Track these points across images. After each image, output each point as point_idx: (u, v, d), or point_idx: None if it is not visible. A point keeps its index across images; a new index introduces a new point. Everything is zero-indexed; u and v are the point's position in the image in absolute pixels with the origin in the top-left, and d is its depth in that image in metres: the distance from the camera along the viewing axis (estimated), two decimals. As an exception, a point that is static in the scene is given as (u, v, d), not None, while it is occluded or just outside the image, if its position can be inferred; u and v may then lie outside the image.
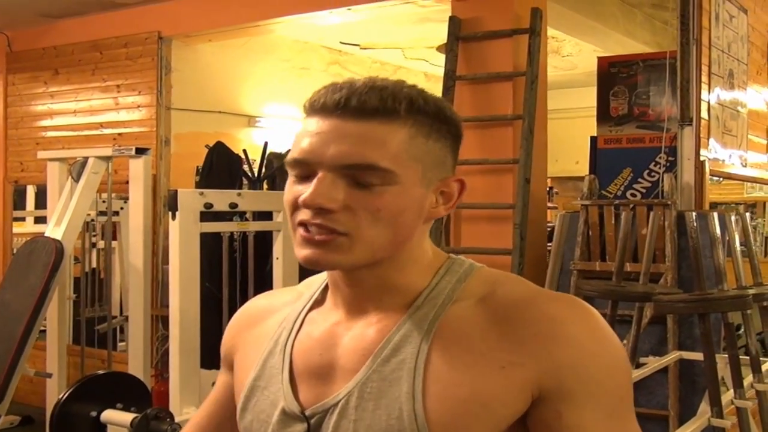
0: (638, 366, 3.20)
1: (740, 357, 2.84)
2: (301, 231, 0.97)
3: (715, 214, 3.06)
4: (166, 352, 5.22)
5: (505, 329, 0.95)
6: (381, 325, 1.02)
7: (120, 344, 5.62)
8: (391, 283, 1.03)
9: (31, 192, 7.27)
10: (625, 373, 0.98)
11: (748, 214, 4.29)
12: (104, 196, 5.16)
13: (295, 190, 0.98)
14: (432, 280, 1.03)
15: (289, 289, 1.20)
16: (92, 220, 5.63)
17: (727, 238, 3.57)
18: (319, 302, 1.12)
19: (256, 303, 1.23)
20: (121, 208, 5.60)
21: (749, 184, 8.07)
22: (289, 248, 4.09)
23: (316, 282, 1.15)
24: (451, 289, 1.02)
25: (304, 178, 0.97)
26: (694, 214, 2.93)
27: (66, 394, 3.11)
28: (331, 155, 0.95)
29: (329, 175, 0.95)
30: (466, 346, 0.96)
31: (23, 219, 7.41)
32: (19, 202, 7.11)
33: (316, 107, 0.98)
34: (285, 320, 1.12)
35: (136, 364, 4.56)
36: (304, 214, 0.97)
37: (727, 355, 2.82)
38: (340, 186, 0.95)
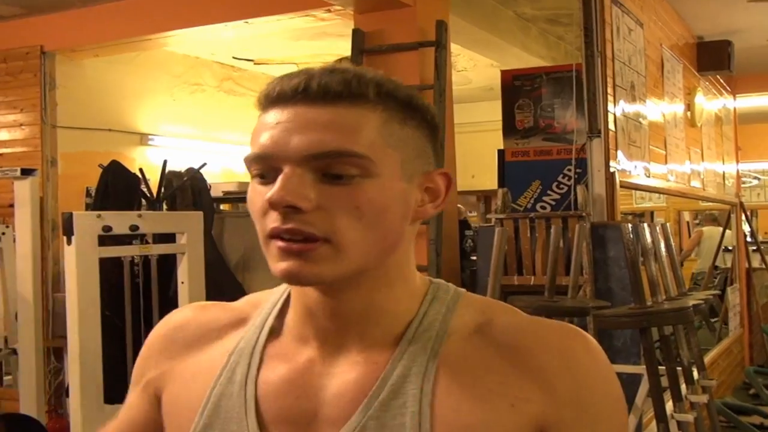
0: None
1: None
2: (277, 242, 0.83)
3: (645, 225, 3.07)
4: (60, 386, 4.92)
5: (510, 363, 0.87)
6: (369, 363, 0.88)
7: (6, 378, 5.25)
8: (380, 307, 0.89)
9: None
10: (625, 410, 0.94)
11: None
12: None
13: (259, 192, 0.84)
14: (420, 308, 0.91)
15: (222, 306, 1.02)
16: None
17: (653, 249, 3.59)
18: (276, 331, 0.95)
19: (188, 319, 1.01)
20: (3, 233, 5.24)
21: (638, 194, 8.32)
22: (195, 272, 3.89)
23: (266, 301, 0.98)
24: (443, 320, 0.90)
25: (268, 178, 0.84)
26: (629, 225, 2.92)
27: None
28: (296, 146, 0.82)
29: (297, 170, 0.82)
30: (471, 383, 0.86)
31: None
32: None
33: (272, 97, 0.85)
34: (237, 351, 0.94)
35: (29, 400, 4.25)
36: (273, 221, 0.82)
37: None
38: (310, 181, 0.82)
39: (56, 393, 5.00)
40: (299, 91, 0.83)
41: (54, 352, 5.01)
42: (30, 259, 4.38)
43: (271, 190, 0.82)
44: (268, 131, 0.84)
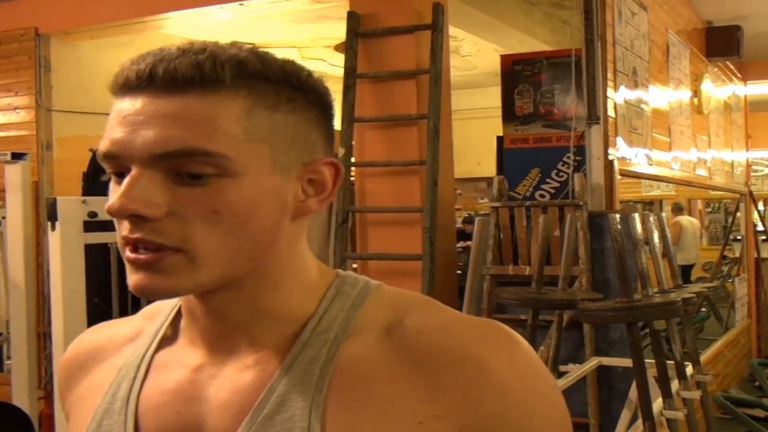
0: (560, 375, 3.08)
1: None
2: (126, 252, 0.73)
3: (636, 215, 2.97)
4: (53, 373, 4.88)
5: (420, 373, 0.74)
6: (258, 368, 0.78)
7: (7, 362, 5.21)
8: (265, 308, 0.79)
9: None
10: (563, 419, 0.78)
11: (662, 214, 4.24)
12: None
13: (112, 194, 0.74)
14: (319, 307, 0.81)
15: (122, 322, 0.94)
16: (-33, 231, 5.20)
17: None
18: (169, 339, 0.86)
19: (88, 339, 0.94)
20: (3, 218, 5.19)
21: (647, 182, 8.21)
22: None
23: (162, 311, 0.89)
24: (345, 319, 0.79)
25: (120, 177, 0.74)
26: (617, 215, 2.83)
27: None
28: (142, 144, 0.71)
29: (145, 172, 0.71)
30: (371, 395, 0.74)
31: None
32: None
33: (119, 84, 0.74)
34: (125, 366, 0.86)
35: (21, 386, 4.21)
36: (124, 228, 0.73)
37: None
38: (160, 184, 0.72)
39: (51, 379, 4.96)
40: (144, 79, 0.72)
41: (49, 337, 4.97)
42: (21, 245, 4.31)
43: (112, 197, 0.72)
44: (115, 126, 0.73)
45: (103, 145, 0.74)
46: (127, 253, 0.73)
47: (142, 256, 0.72)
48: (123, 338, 0.90)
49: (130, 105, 0.73)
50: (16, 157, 4.32)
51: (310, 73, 0.79)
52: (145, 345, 0.87)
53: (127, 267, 0.74)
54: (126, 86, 0.73)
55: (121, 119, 0.73)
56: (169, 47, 0.74)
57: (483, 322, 0.80)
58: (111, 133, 0.73)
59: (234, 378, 0.79)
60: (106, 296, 4.00)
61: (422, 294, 0.86)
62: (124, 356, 0.88)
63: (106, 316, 3.97)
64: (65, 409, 0.93)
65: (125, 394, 0.83)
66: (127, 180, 0.71)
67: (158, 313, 0.90)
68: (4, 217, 5.11)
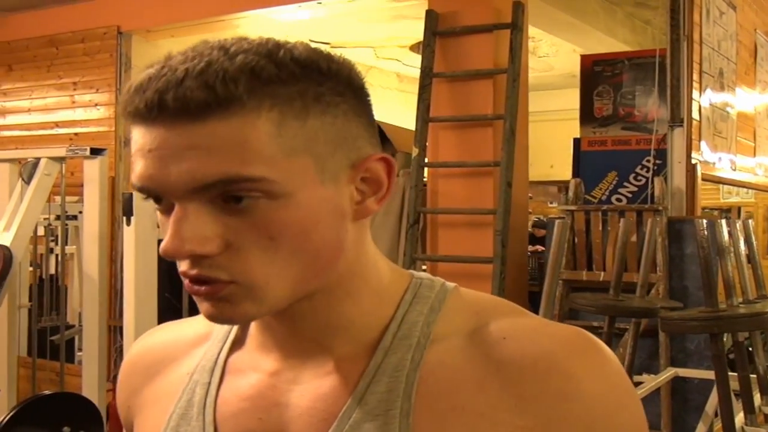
0: (634, 386, 2.97)
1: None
2: (187, 283, 0.70)
3: (723, 221, 2.85)
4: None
5: (507, 382, 0.71)
6: (339, 375, 0.75)
7: (78, 354, 5.32)
8: (339, 316, 0.75)
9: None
10: (644, 429, 0.75)
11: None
12: (67, 198, 4.86)
13: (163, 222, 0.70)
14: (397, 311, 0.76)
15: (187, 322, 0.90)
16: (49, 224, 5.33)
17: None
18: (239, 341, 0.83)
19: (151, 342, 0.91)
20: (80, 212, 5.31)
21: (726, 188, 7.95)
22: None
23: None
24: (425, 323, 0.75)
25: (159, 203, 0.69)
26: (704, 221, 2.71)
27: (6, 418, 2.83)
28: (176, 179, 0.65)
29: (189, 207, 0.66)
30: (460, 404, 0.71)
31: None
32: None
33: (130, 113, 0.67)
34: (198, 369, 0.83)
35: (90, 379, 4.26)
36: (183, 263, 0.69)
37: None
38: (207, 217, 0.67)
39: (122, 372, 5.04)
40: (154, 110, 0.65)
41: (120, 330, 5.05)
42: (96, 238, 4.36)
43: (165, 240, 0.67)
44: (141, 159, 0.68)
45: (135, 179, 0.69)
46: (188, 284, 0.70)
47: (202, 289, 0.68)
48: (191, 339, 0.87)
49: (149, 137, 0.67)
50: (95, 152, 4.38)
51: (329, 57, 0.71)
52: (217, 348, 0.84)
53: (196, 299, 0.71)
54: (138, 116, 0.67)
55: (145, 153, 0.67)
56: (169, 64, 0.66)
57: (569, 329, 0.75)
58: (139, 167, 0.68)
59: (315, 384, 0.76)
60: (177, 291, 4.03)
61: (513, 303, 0.81)
62: (194, 359, 0.85)
63: (176, 311, 4.01)
64: (127, 411, 0.90)
65: (201, 400, 0.80)
66: (173, 219, 0.67)
67: None
68: (80, 212, 5.23)
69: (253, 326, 0.82)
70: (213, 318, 0.71)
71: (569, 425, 0.69)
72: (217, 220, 0.67)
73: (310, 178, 0.68)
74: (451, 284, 0.80)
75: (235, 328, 0.84)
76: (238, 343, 0.83)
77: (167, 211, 0.69)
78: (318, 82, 0.68)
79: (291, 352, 0.78)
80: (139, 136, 0.68)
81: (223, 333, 0.84)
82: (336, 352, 0.76)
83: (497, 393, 0.71)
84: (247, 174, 0.65)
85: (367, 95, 0.74)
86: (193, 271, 0.68)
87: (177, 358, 0.86)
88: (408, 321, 0.76)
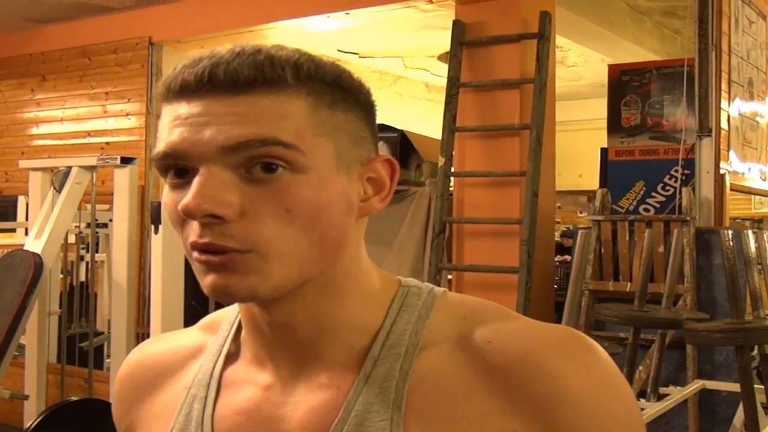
0: (660, 398, 2.94)
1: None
2: (196, 254, 0.70)
3: (750, 232, 2.82)
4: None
5: (495, 386, 0.72)
6: (332, 387, 0.76)
7: (107, 361, 5.37)
8: (330, 318, 0.76)
9: (22, 202, 7.03)
10: (639, 428, 0.74)
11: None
12: (97, 207, 4.93)
13: (173, 198, 0.71)
14: (385, 320, 0.78)
15: (182, 334, 0.91)
16: (80, 232, 5.39)
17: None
18: (234, 355, 0.84)
19: (147, 355, 0.91)
20: (110, 220, 5.37)
21: (757, 198, 7.86)
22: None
23: (222, 323, 0.87)
24: (413, 332, 0.76)
25: (181, 181, 0.71)
26: (729, 232, 2.68)
27: (34, 423, 2.87)
28: (210, 139, 0.68)
29: (214, 169, 0.69)
30: (450, 411, 0.72)
31: (14, 230, 7.17)
32: (11, 213, 6.90)
33: (174, 89, 0.71)
34: (195, 384, 0.83)
35: (119, 385, 4.32)
36: (193, 233, 0.70)
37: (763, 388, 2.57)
38: (231, 183, 0.69)
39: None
40: (204, 82, 0.70)
41: (147, 338, 5.09)
42: (125, 247, 4.42)
43: (186, 197, 0.68)
44: (175, 127, 0.71)
45: (161, 146, 0.71)
46: (196, 255, 0.70)
47: (215, 258, 0.69)
48: (186, 351, 0.88)
49: (190, 108, 0.70)
50: (125, 161, 4.44)
51: (352, 74, 0.78)
52: (212, 362, 0.84)
53: (199, 269, 0.71)
54: (184, 90, 0.71)
55: (182, 121, 0.70)
56: (218, 50, 0.72)
57: (557, 329, 0.76)
58: (170, 136, 0.71)
59: (308, 397, 0.77)
60: (203, 299, 4.06)
61: (502, 306, 0.81)
62: (190, 372, 0.86)
63: (201, 318, 4.04)
64: (127, 425, 0.90)
65: (199, 415, 0.81)
66: (197, 180, 0.69)
67: (217, 325, 0.87)
68: (111, 220, 5.29)
69: (246, 337, 0.83)
70: (220, 290, 0.70)
71: (559, 425, 0.70)
72: (237, 188, 0.69)
73: (330, 163, 0.72)
74: (439, 289, 0.81)
75: (229, 340, 0.85)
76: (232, 357, 0.84)
77: (182, 186, 0.70)
78: (344, 88, 0.75)
79: (283, 363, 0.79)
80: (176, 110, 0.71)
81: (217, 346, 0.85)
82: (327, 361, 0.77)
83: (486, 398, 0.71)
84: (282, 138, 0.69)
85: (375, 112, 0.80)
86: (205, 239, 0.69)
87: (174, 372, 0.87)
88: (396, 330, 0.77)
